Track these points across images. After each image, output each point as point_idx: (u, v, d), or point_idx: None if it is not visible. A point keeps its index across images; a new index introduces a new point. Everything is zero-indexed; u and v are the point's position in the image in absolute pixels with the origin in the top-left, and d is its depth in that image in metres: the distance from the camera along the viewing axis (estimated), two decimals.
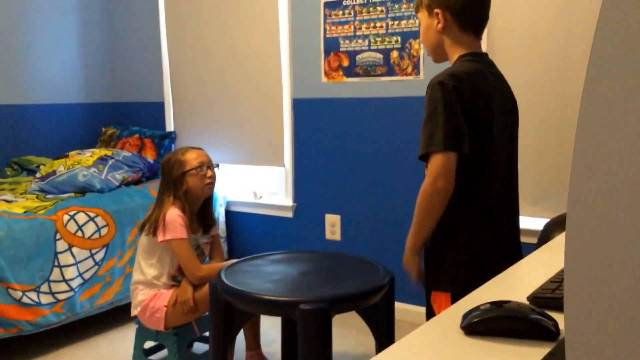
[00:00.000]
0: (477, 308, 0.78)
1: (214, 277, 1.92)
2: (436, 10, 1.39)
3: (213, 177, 2.19)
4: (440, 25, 1.39)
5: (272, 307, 1.69)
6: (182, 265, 2.09)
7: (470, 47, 1.41)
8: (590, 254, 0.39)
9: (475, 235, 1.38)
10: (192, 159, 2.14)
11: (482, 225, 1.39)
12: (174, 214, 2.07)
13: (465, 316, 0.78)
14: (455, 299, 1.34)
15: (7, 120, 3.34)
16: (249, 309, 1.76)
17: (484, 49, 2.52)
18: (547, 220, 2.06)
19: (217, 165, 2.27)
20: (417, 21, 2.67)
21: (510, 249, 1.48)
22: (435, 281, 1.42)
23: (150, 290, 2.11)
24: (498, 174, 1.41)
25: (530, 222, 2.44)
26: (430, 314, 1.48)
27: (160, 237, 2.06)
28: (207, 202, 2.25)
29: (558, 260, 1.06)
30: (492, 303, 0.78)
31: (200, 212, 2.23)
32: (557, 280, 0.88)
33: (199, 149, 2.24)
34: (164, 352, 2.40)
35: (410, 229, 1.41)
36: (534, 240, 2.13)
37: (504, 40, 2.45)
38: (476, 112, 1.32)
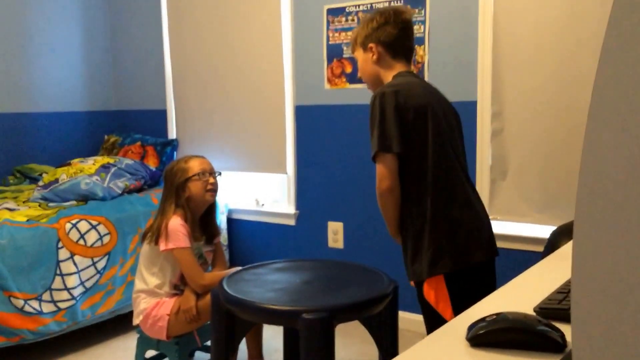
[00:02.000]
0: (482, 319, 0.76)
1: (214, 286, 1.92)
2: (370, 45, 1.59)
3: (215, 184, 2.19)
4: (375, 57, 1.60)
5: (274, 317, 1.67)
6: (185, 273, 2.08)
7: (403, 68, 1.61)
8: (598, 263, 0.38)
9: (442, 217, 1.50)
10: (194, 165, 2.16)
11: (454, 207, 1.50)
12: (176, 223, 2.06)
13: (470, 327, 0.77)
14: (450, 279, 1.47)
15: (10, 128, 3.35)
16: (251, 318, 1.74)
17: (490, 55, 2.55)
18: (554, 228, 2.03)
19: (220, 174, 2.27)
20: (421, 27, 2.66)
21: (487, 227, 1.59)
22: (422, 270, 1.50)
23: (152, 299, 2.10)
24: (451, 161, 1.53)
25: (537, 229, 2.41)
26: (427, 313, 1.54)
27: (162, 246, 2.05)
28: (210, 212, 2.25)
29: (565, 269, 1.04)
30: (498, 314, 0.76)
31: (203, 222, 2.22)
32: (564, 291, 0.87)
33: (202, 157, 2.24)
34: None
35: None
36: (541, 249, 2.11)
37: (510, 49, 2.44)
38: (414, 114, 1.48)
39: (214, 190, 2.18)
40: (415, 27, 2.70)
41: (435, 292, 1.48)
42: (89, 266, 2.58)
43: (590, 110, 0.38)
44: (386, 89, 1.50)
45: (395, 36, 1.58)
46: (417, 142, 1.49)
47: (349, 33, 2.86)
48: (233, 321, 1.79)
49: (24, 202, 2.83)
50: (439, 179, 1.50)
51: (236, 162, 3.34)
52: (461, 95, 2.53)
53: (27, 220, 2.50)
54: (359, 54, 1.64)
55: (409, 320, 2.76)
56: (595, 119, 0.37)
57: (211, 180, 2.17)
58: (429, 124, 1.50)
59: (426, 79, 2.69)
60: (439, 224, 1.49)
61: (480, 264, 1.52)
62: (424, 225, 1.49)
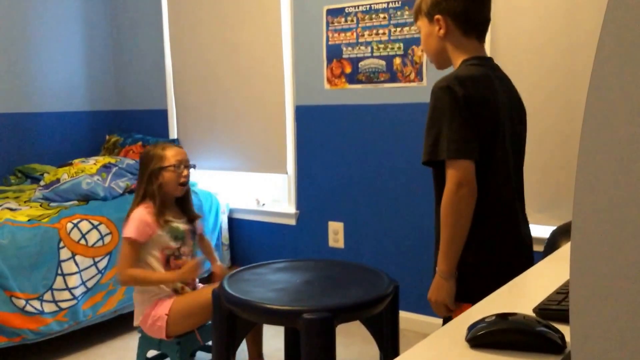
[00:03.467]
0: (482, 320, 0.77)
1: (140, 284, 2.07)
2: (437, 16, 1.37)
3: (187, 176, 2.19)
4: (442, 32, 1.37)
5: (275, 317, 1.67)
6: (119, 260, 2.11)
7: (474, 51, 1.39)
8: (595, 264, 0.38)
9: (495, 241, 1.35)
10: (171, 155, 2.14)
11: (500, 231, 1.36)
12: (138, 213, 2.07)
13: (470, 328, 0.77)
14: None
15: (12, 128, 3.36)
16: (252, 318, 1.74)
17: (488, 55, 2.50)
18: (554, 227, 2.04)
19: (194, 166, 2.27)
20: None
21: (529, 256, 1.45)
22: (459, 291, 1.36)
23: (151, 297, 2.10)
24: (508, 178, 1.39)
25: (537, 229, 2.41)
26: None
27: (123, 232, 2.08)
28: (184, 198, 2.23)
29: (565, 270, 1.04)
30: (497, 315, 0.77)
31: (180, 205, 2.21)
32: (564, 292, 0.87)
33: (179, 147, 2.25)
34: None
35: (440, 250, 1.34)
36: (541, 248, 2.11)
37: (508, 47, 2.45)
38: (482, 117, 1.30)
39: (185, 183, 2.18)
40: (413, 27, 2.70)
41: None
42: (90, 266, 2.59)
43: (586, 110, 0.38)
44: (454, 84, 1.27)
45: (468, 7, 1.35)
46: (484, 152, 1.30)
47: (349, 33, 2.87)
48: (234, 321, 1.80)
49: (25, 202, 2.84)
50: (493, 204, 1.33)
51: (237, 162, 3.35)
52: None
53: (29, 220, 2.51)
54: (423, 25, 1.40)
55: (410, 320, 2.77)
56: (591, 119, 0.38)
57: (185, 173, 2.16)
58: (498, 133, 1.33)
59: (424, 79, 2.69)
60: (491, 252, 1.33)
61: None
62: (475, 245, 1.32)
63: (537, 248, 2.33)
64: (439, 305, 1.36)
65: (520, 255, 1.41)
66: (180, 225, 2.17)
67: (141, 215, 2.06)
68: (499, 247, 1.36)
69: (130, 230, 2.04)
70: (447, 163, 1.28)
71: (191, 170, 2.21)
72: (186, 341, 2.13)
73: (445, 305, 1.35)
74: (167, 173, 2.12)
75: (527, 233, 1.46)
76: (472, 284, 1.34)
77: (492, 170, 1.33)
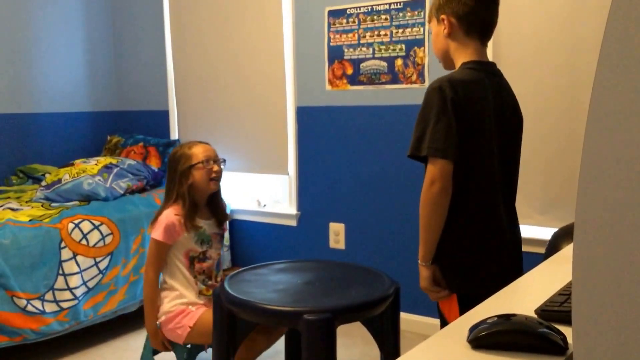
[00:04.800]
0: (484, 321, 0.77)
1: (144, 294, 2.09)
2: (442, 16, 1.44)
3: (219, 172, 2.13)
4: (446, 31, 1.43)
5: (275, 317, 1.67)
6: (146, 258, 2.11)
7: (475, 53, 1.43)
8: (598, 266, 0.38)
9: (475, 236, 1.42)
10: (198, 152, 2.10)
11: (482, 227, 1.42)
12: (167, 215, 2.05)
13: (472, 329, 0.77)
14: (462, 299, 1.39)
15: (13, 128, 3.36)
16: (252, 318, 1.74)
17: (491, 57, 2.52)
18: (556, 229, 2.04)
19: (224, 161, 2.22)
20: (421, 29, 2.67)
21: (512, 252, 1.50)
22: (446, 282, 1.43)
23: (177, 301, 2.07)
24: (491, 180, 1.44)
25: (538, 231, 2.42)
26: (442, 320, 1.49)
27: (151, 233, 2.06)
28: (216, 197, 2.20)
29: (566, 271, 1.04)
30: (499, 316, 0.77)
31: (211, 206, 2.18)
32: (566, 293, 0.87)
33: (206, 143, 2.19)
34: (170, 355, 2.37)
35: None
36: (542, 250, 2.11)
37: (511, 49, 2.45)
38: (467, 120, 1.35)
39: (217, 178, 2.13)
40: (415, 29, 2.70)
41: (448, 307, 1.43)
42: (92, 266, 2.59)
43: (589, 112, 0.38)
44: (446, 86, 1.33)
45: (472, 8, 1.40)
46: (467, 153, 1.36)
47: (350, 35, 2.87)
48: (234, 321, 1.80)
49: (26, 202, 2.84)
50: (474, 201, 1.40)
51: (238, 163, 3.35)
52: None
53: (30, 220, 2.51)
54: (433, 25, 1.49)
55: (411, 321, 2.77)
56: (595, 121, 0.38)
57: (215, 168, 2.11)
58: (481, 139, 1.38)
59: (426, 81, 2.69)
60: (471, 245, 1.40)
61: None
62: (455, 239, 1.40)
63: (538, 250, 2.34)
64: (425, 290, 1.45)
65: (503, 251, 1.46)
66: (207, 228, 2.14)
67: (169, 218, 2.04)
68: (477, 242, 1.42)
69: (157, 232, 2.02)
70: (428, 160, 1.36)
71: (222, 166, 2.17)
72: (196, 345, 2.13)
73: (433, 290, 1.43)
74: (196, 171, 2.08)
75: (513, 231, 1.51)
76: (452, 274, 1.42)
77: (474, 171, 1.40)
